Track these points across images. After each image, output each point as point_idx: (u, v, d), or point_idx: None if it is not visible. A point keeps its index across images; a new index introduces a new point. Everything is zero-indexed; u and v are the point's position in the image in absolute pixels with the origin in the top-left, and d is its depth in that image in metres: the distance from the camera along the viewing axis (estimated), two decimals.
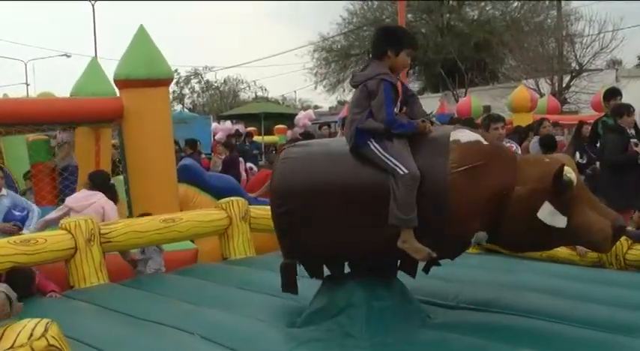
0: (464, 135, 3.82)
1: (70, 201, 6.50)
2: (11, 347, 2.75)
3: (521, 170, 3.83)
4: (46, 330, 2.86)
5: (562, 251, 5.73)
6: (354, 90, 4.05)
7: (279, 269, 4.16)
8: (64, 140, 9.12)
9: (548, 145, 8.24)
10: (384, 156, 3.71)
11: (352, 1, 38.32)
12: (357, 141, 3.83)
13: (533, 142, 9.11)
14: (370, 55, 4.20)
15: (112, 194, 6.62)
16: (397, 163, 3.66)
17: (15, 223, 6.27)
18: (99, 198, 6.41)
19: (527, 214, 3.74)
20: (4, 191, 6.46)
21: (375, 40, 4.15)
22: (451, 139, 3.76)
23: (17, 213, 6.38)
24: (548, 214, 3.72)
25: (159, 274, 5.82)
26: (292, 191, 3.90)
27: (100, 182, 6.59)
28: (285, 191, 3.93)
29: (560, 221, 3.72)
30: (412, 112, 4.02)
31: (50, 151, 9.49)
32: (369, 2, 38.32)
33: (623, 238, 5.42)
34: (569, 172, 3.69)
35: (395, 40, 4.01)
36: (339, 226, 3.81)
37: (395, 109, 3.84)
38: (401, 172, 3.62)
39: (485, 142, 3.87)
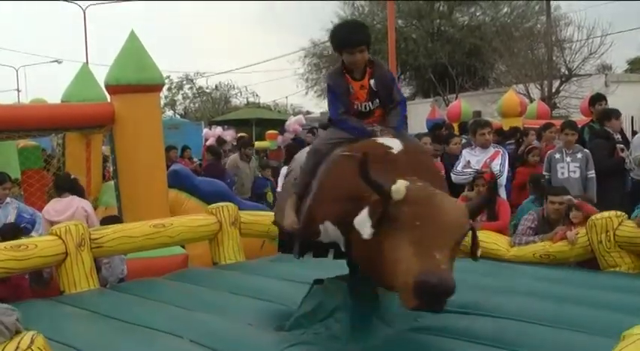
0: None
1: (51, 215, 6.42)
2: None
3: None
4: (32, 342, 2.88)
5: (554, 246, 5.80)
6: None
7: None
8: None
9: None
10: None
11: (343, 5, 38.44)
12: None
13: None
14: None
15: (80, 191, 6.64)
16: None
17: (25, 225, 6.28)
18: (77, 202, 6.42)
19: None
20: (9, 199, 6.50)
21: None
22: None
23: (27, 216, 6.41)
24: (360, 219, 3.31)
25: (149, 278, 5.84)
26: None
27: (68, 184, 6.60)
28: None
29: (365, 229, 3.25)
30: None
31: (41, 158, 9.49)
32: (360, 8, 38.42)
33: (614, 215, 5.42)
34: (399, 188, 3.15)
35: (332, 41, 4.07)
36: None
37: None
38: None
39: None
